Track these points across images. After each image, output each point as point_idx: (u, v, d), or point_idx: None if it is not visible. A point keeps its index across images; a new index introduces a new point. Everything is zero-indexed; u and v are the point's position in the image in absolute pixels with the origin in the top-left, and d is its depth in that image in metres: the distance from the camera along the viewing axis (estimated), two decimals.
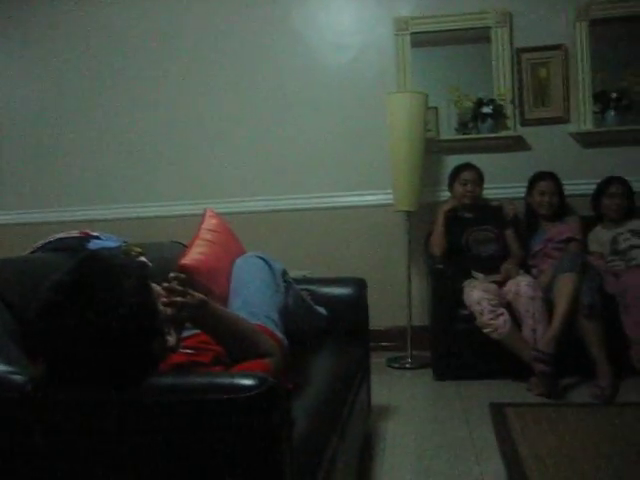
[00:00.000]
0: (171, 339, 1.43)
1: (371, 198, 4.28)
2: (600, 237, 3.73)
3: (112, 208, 4.47)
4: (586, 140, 4.11)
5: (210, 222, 2.61)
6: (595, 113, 4.06)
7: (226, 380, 1.22)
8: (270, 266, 2.13)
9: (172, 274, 1.54)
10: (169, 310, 1.44)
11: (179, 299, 1.47)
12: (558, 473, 2.28)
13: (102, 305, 1.21)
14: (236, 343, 1.61)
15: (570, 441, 2.56)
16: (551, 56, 4.12)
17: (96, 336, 1.20)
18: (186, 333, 1.71)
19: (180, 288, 1.49)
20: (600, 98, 4.03)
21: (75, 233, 2.12)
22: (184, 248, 2.53)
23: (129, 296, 1.25)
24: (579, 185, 4.04)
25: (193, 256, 2.36)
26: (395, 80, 4.19)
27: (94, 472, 1.22)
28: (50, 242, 2.08)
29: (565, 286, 3.28)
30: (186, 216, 4.04)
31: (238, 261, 2.22)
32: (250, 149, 4.39)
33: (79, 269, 1.28)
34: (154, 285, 1.42)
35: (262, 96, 4.36)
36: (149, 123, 4.46)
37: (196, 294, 1.53)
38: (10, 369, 1.28)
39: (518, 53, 4.14)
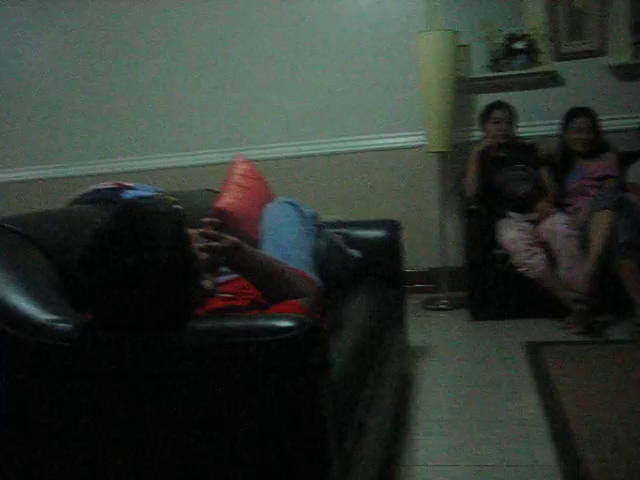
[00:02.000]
0: (208, 283, 1.45)
1: (402, 140, 4.23)
2: None
3: (143, 159, 4.49)
4: (623, 73, 3.99)
5: (241, 167, 2.61)
6: (634, 44, 3.91)
7: (265, 322, 1.23)
8: (300, 210, 2.13)
9: (206, 219, 1.55)
10: (204, 254, 1.46)
11: (214, 243, 1.49)
12: (595, 409, 2.29)
13: (141, 251, 1.23)
14: (272, 284, 1.63)
15: (606, 378, 2.57)
16: None
17: (137, 281, 1.22)
18: (224, 278, 1.73)
19: (215, 232, 1.51)
20: (639, 28, 3.88)
21: (110, 184, 2.14)
22: (217, 195, 2.54)
23: (167, 241, 1.26)
24: (616, 120, 3.94)
25: (228, 200, 2.37)
26: (425, 18, 4.08)
27: (139, 416, 1.26)
28: (86, 194, 2.11)
29: (601, 223, 3.24)
30: (216, 164, 4.05)
31: (268, 206, 2.23)
32: (278, 94, 4.35)
33: (117, 218, 1.30)
34: (189, 230, 1.44)
35: (289, 39, 4.29)
36: (175, 72, 4.44)
37: (230, 237, 1.54)
38: (55, 317, 1.31)
39: None
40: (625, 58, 3.93)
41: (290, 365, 1.19)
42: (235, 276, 1.75)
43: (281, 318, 1.22)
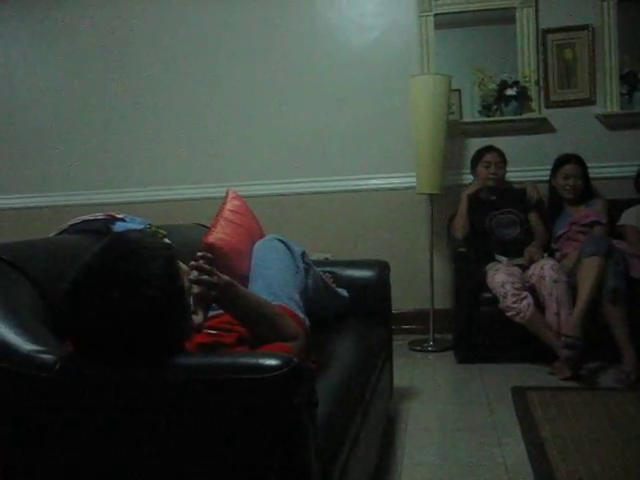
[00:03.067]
0: (197, 318, 1.44)
1: (394, 181, 4.26)
2: None
3: (133, 191, 4.49)
4: (612, 122, 4.05)
5: (233, 203, 2.61)
6: (622, 95, 3.99)
7: (251, 360, 1.23)
8: (289, 248, 2.14)
9: (199, 253, 1.54)
10: (196, 288, 1.45)
11: (206, 277, 1.48)
12: (581, 457, 2.27)
13: (128, 288, 1.22)
14: (260, 325, 1.62)
15: (593, 425, 2.55)
16: (577, 37, 4.06)
17: (123, 318, 1.21)
18: (211, 313, 1.72)
19: (208, 267, 1.50)
20: (627, 79, 3.97)
21: (100, 215, 2.14)
22: (207, 230, 2.54)
23: (156, 279, 1.25)
24: (605, 168, 4.00)
25: (218, 235, 2.36)
26: (418, 62, 4.15)
27: (121, 449, 1.24)
28: (76, 224, 2.10)
29: (589, 269, 3.25)
30: (207, 199, 4.06)
31: (258, 243, 2.23)
32: (271, 132, 4.38)
33: (106, 252, 1.29)
34: (181, 264, 1.43)
35: (284, 78, 4.34)
36: (169, 106, 4.47)
37: (222, 275, 1.54)
38: (39, 348, 1.29)
39: (543, 34, 4.08)
40: (614, 108, 4.00)
41: (275, 404, 1.18)
42: (221, 312, 1.74)
43: (268, 356, 1.21)
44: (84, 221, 2.11)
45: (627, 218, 3.69)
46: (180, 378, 1.21)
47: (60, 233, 2.09)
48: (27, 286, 1.54)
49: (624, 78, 3.98)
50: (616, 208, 3.74)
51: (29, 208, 4.62)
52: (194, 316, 1.44)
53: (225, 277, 1.54)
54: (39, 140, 4.64)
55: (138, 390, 1.22)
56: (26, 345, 1.30)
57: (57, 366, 1.25)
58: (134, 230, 1.98)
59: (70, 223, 2.11)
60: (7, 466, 1.31)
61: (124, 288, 1.22)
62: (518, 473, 2.21)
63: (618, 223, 3.70)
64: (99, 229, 2.03)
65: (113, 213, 2.16)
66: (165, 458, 1.22)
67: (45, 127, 4.63)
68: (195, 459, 1.21)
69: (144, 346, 1.24)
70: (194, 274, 1.47)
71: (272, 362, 1.18)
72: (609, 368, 3.27)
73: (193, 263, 1.49)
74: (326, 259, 3.39)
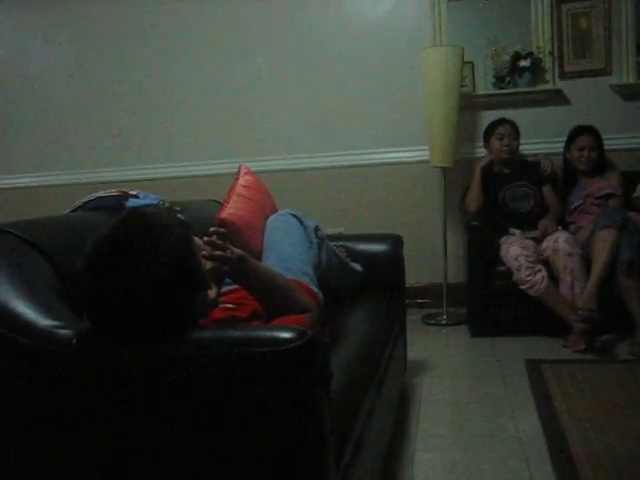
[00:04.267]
0: (211, 293, 1.45)
1: (407, 155, 4.24)
2: None
3: (147, 168, 4.49)
4: (628, 92, 4.00)
5: (245, 178, 2.61)
6: (638, 64, 3.93)
7: (266, 333, 1.23)
8: (302, 223, 2.13)
9: (212, 228, 1.54)
10: (209, 263, 1.46)
11: (219, 253, 1.49)
12: (594, 428, 2.28)
13: (141, 265, 1.22)
14: (274, 299, 1.63)
15: (606, 397, 2.56)
16: (592, 6, 3.99)
17: (135, 295, 1.21)
18: (224, 289, 1.73)
19: (220, 242, 1.50)
20: None
21: (114, 192, 2.14)
22: (220, 205, 2.54)
23: (169, 256, 1.24)
24: (620, 139, 3.96)
25: (231, 211, 2.36)
26: (431, 34, 4.10)
27: (137, 424, 1.25)
28: (90, 201, 2.11)
29: (604, 242, 3.23)
30: (220, 175, 4.04)
31: (271, 218, 2.23)
32: (284, 106, 4.36)
33: (120, 228, 1.28)
34: (196, 239, 1.44)
35: (296, 52, 4.31)
36: (182, 82, 4.45)
37: (235, 249, 1.54)
38: (56, 323, 1.30)
39: (558, 3, 4.01)
40: (630, 78, 3.94)
41: (290, 377, 1.18)
42: (235, 287, 1.74)
43: (282, 329, 1.21)
44: (98, 198, 2.11)
45: None
46: (195, 353, 1.22)
47: (74, 210, 2.10)
48: (42, 262, 1.55)
49: None
50: (631, 180, 3.71)
51: (40, 187, 4.63)
52: (208, 291, 1.44)
53: (238, 251, 1.55)
54: (49, 119, 4.64)
55: (153, 365, 1.23)
56: (43, 320, 1.31)
57: (74, 341, 1.26)
58: (149, 205, 1.99)
59: (84, 200, 2.12)
60: (22, 440, 1.33)
61: (139, 263, 1.22)
62: (532, 445, 2.22)
63: (633, 195, 3.67)
64: (112, 205, 2.04)
65: (126, 190, 2.17)
66: (181, 432, 1.23)
67: (54, 107, 4.62)
68: (210, 432, 1.22)
69: (158, 321, 1.24)
70: (207, 250, 1.47)
71: (287, 335, 1.18)
72: (623, 340, 3.26)
73: (206, 239, 1.49)
74: (339, 233, 3.39)
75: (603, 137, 3.77)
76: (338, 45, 4.27)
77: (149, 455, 1.26)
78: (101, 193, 2.13)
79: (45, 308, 1.36)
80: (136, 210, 1.41)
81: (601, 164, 3.78)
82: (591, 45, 4.02)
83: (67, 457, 1.30)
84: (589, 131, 3.75)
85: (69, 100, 4.61)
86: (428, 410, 2.61)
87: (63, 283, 1.54)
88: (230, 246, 1.53)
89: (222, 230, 1.55)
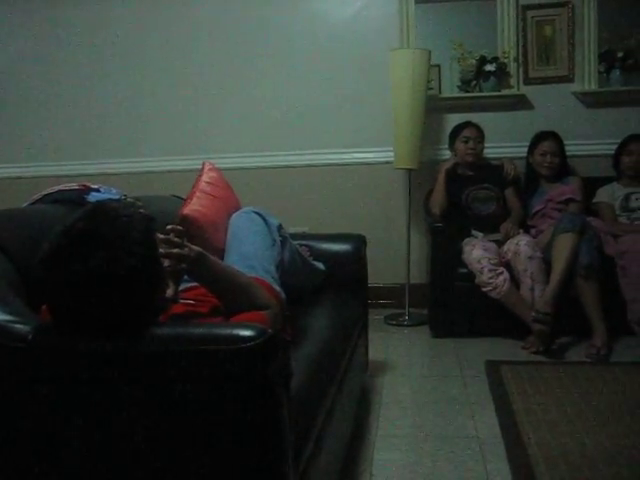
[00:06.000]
0: (169, 290, 1.43)
1: (372, 155, 4.25)
2: (614, 191, 3.72)
3: (109, 162, 4.42)
4: (590, 100, 4.07)
5: (209, 175, 2.59)
6: (600, 73, 4.00)
7: (226, 330, 1.23)
8: (266, 221, 2.13)
9: (169, 226, 1.53)
10: (166, 262, 1.44)
11: (176, 251, 1.47)
12: (551, 429, 2.32)
13: (109, 254, 1.21)
14: (233, 296, 1.62)
15: (564, 399, 2.60)
16: (557, 13, 4.04)
17: (100, 285, 1.20)
18: (185, 285, 1.72)
19: (177, 240, 1.49)
20: (605, 57, 3.96)
21: (75, 185, 2.11)
22: (183, 202, 2.52)
23: (136, 246, 1.24)
24: (581, 145, 4.02)
25: (194, 207, 2.34)
26: (398, 36, 4.12)
27: (93, 421, 1.24)
28: (49, 194, 2.08)
29: (564, 246, 3.28)
30: (184, 171, 4.01)
31: (234, 216, 2.23)
32: (249, 105, 4.33)
33: (87, 218, 1.27)
34: (158, 234, 1.42)
35: (263, 51, 4.29)
36: (147, 76, 4.40)
37: (193, 247, 1.53)
38: (13, 318, 1.28)
39: (523, 10, 4.05)
40: (591, 86, 4.01)
41: (250, 375, 1.18)
42: (195, 283, 1.73)
43: (242, 327, 1.21)
44: (59, 191, 2.08)
45: (602, 196, 3.74)
46: (155, 349, 1.21)
47: (33, 203, 2.07)
48: None
49: (602, 56, 3.97)
50: (592, 186, 3.78)
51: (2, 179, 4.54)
52: (166, 289, 1.43)
53: (196, 248, 1.54)
54: (7, 112, 4.55)
55: (112, 361, 1.21)
56: None
57: (30, 337, 1.24)
58: (113, 199, 1.96)
59: (44, 193, 2.09)
60: None
61: (106, 252, 1.21)
62: (491, 445, 2.25)
63: (593, 200, 3.74)
64: (73, 199, 2.01)
65: (88, 183, 2.14)
66: (139, 429, 1.22)
67: (14, 98, 4.53)
68: (169, 429, 1.21)
69: (120, 314, 1.23)
70: (163, 247, 1.45)
71: (247, 333, 1.18)
72: (580, 343, 3.32)
73: (162, 236, 1.47)
74: (303, 232, 3.39)
75: (565, 143, 3.83)
76: (305, 45, 4.25)
77: (105, 451, 1.24)
78: (62, 186, 2.10)
79: (1, 303, 1.34)
80: (102, 203, 1.39)
81: (563, 169, 3.84)
82: (555, 52, 4.07)
83: (22, 453, 1.28)
84: (552, 137, 3.81)
85: (28, 92, 4.51)
86: (388, 410, 2.62)
87: (21, 277, 1.51)
88: (188, 244, 1.52)
89: (179, 227, 1.54)
